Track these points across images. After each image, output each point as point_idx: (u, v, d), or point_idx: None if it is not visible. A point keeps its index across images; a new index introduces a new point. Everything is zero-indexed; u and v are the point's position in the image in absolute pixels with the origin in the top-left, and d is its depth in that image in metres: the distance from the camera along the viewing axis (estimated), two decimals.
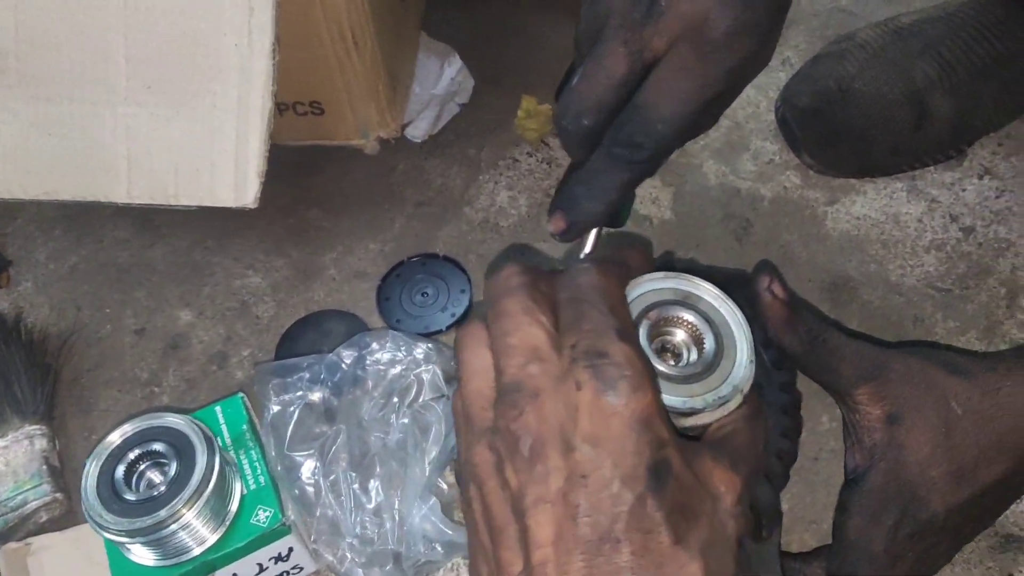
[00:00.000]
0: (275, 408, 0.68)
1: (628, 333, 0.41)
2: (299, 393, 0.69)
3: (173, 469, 0.61)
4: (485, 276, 0.82)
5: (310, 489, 0.66)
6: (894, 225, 0.84)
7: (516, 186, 0.91)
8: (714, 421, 0.51)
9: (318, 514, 0.67)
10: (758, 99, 0.94)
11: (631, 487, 0.37)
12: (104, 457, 0.62)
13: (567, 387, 0.39)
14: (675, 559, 0.37)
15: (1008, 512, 0.66)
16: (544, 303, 0.42)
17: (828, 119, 0.84)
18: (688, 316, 0.52)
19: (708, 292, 0.53)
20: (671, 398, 0.49)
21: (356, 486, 0.65)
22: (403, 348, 0.73)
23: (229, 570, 0.64)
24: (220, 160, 0.67)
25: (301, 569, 0.69)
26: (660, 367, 0.50)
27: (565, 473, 0.37)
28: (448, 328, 0.81)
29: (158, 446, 0.62)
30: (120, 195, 0.67)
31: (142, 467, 0.62)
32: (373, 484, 0.65)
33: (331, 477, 0.66)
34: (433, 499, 0.66)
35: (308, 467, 0.66)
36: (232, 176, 0.68)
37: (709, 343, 0.51)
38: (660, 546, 0.37)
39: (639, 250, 0.49)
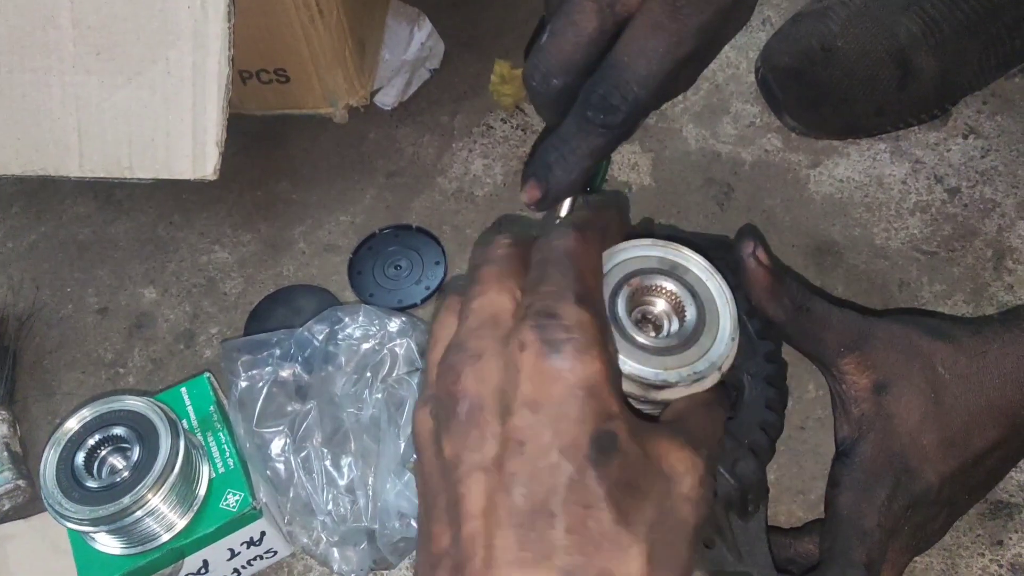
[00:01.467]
0: (243, 384, 0.66)
1: (589, 298, 0.38)
2: (268, 368, 0.66)
3: (136, 454, 0.59)
4: (474, 246, 0.79)
5: (280, 466, 0.63)
6: (878, 187, 0.82)
7: (491, 154, 0.88)
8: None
9: (291, 495, 0.65)
10: (738, 60, 0.91)
11: (571, 457, 0.34)
12: (63, 443, 0.59)
13: (512, 348, 0.36)
14: (615, 539, 0.34)
15: None
16: (522, 275, 0.40)
17: (810, 79, 0.82)
18: (670, 286, 0.50)
19: (696, 264, 0.50)
20: (643, 368, 0.47)
21: (328, 462, 0.63)
22: (376, 322, 0.70)
23: (199, 556, 0.62)
24: (176, 130, 0.64)
25: (275, 553, 0.67)
26: (637, 337, 0.48)
27: (501, 439, 0.35)
28: (423, 301, 0.78)
29: (119, 430, 0.59)
30: (72, 168, 0.64)
31: (103, 453, 0.60)
32: (346, 461, 0.63)
33: (302, 454, 0.64)
34: (408, 475, 0.63)
35: (278, 444, 0.64)
36: (190, 147, 0.64)
37: (691, 315, 0.49)
38: (599, 524, 0.34)
39: (616, 212, 0.47)
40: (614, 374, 0.37)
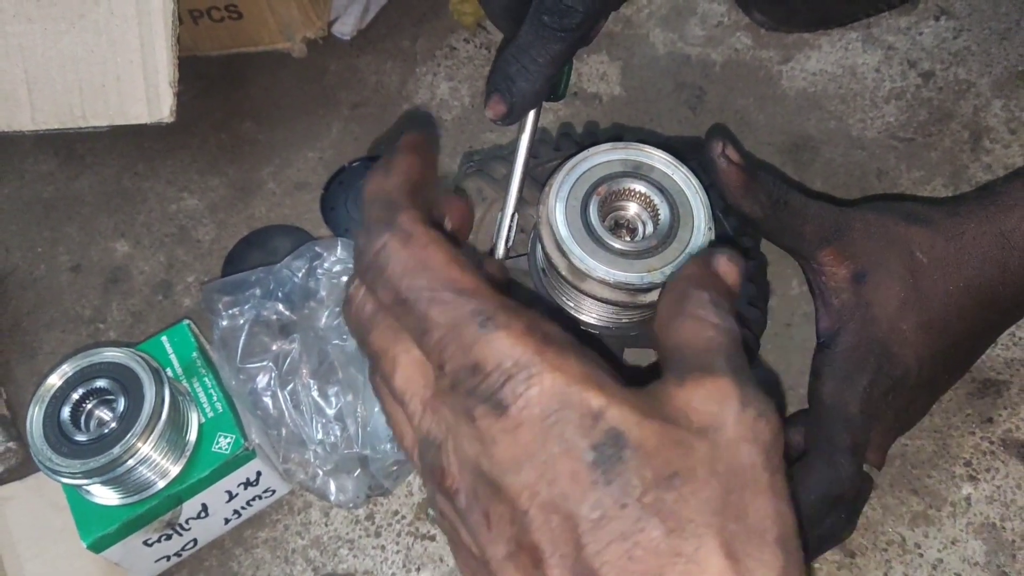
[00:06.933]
0: (224, 323, 0.65)
1: (484, 307, 0.31)
2: (248, 306, 0.66)
3: (121, 405, 0.58)
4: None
5: (268, 401, 0.63)
6: (851, 77, 0.81)
7: (456, 76, 0.86)
8: None
9: (284, 433, 0.65)
10: None
11: (578, 497, 0.29)
12: (47, 400, 0.59)
13: (465, 424, 0.31)
14: (676, 552, 0.28)
15: (984, 357, 0.65)
16: (406, 320, 0.34)
17: None
18: (640, 187, 0.49)
19: (660, 160, 0.50)
20: (627, 275, 0.47)
21: (315, 393, 0.63)
22: (353, 255, 0.70)
23: (197, 500, 0.62)
24: (126, 73, 0.62)
25: (273, 492, 0.67)
26: (615, 244, 0.48)
27: (508, 518, 0.30)
28: None
29: (102, 383, 0.59)
30: (25, 122, 0.62)
31: (88, 406, 0.59)
32: (332, 391, 0.63)
33: (289, 387, 0.63)
34: None
35: (264, 379, 0.64)
36: (142, 89, 0.63)
37: (664, 213, 0.48)
38: (651, 546, 0.28)
39: (415, 155, 0.38)
40: (574, 362, 0.31)
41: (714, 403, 0.31)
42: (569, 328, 0.32)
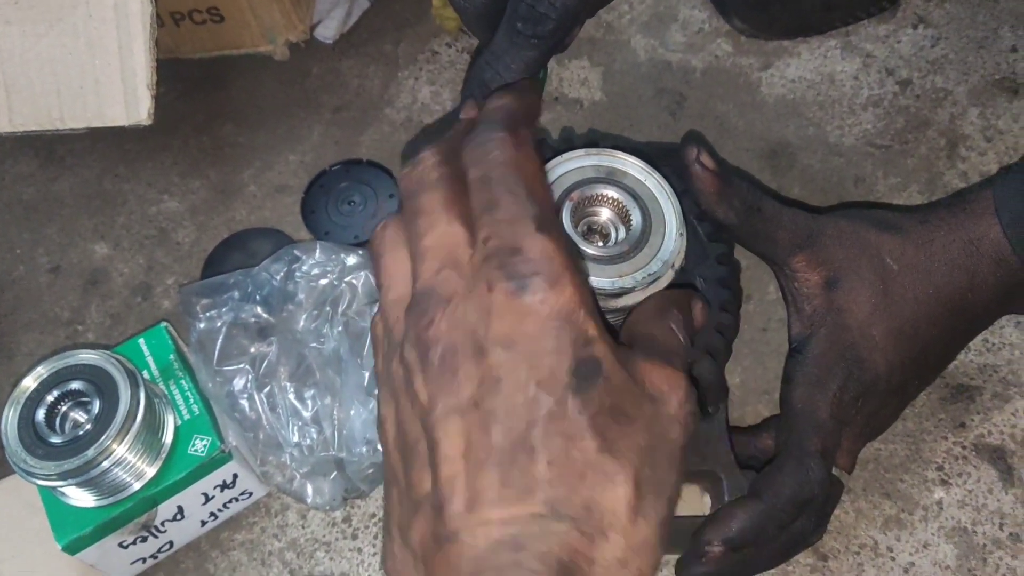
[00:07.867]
0: (202, 325, 0.65)
1: (548, 220, 0.36)
2: (226, 308, 0.66)
3: (96, 406, 0.58)
4: (401, 164, 0.77)
5: (245, 404, 0.63)
6: (830, 85, 0.81)
7: (438, 80, 0.86)
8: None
9: (261, 436, 0.65)
10: None
11: (549, 389, 0.33)
12: (22, 402, 0.59)
13: (479, 289, 0.35)
14: (600, 467, 0.33)
15: (956, 362, 0.66)
16: (464, 193, 0.38)
17: None
18: (612, 193, 0.49)
19: (632, 166, 0.50)
20: (599, 280, 0.47)
21: (292, 395, 0.63)
22: (332, 258, 0.70)
23: (173, 503, 0.62)
24: (105, 76, 0.62)
25: (250, 494, 0.67)
26: (587, 249, 0.48)
27: (477, 379, 0.34)
28: None
29: (77, 384, 0.59)
30: (2, 124, 0.62)
31: (64, 408, 0.59)
32: (309, 394, 0.63)
33: (265, 390, 0.64)
34: (373, 402, 0.64)
35: (240, 382, 0.64)
36: (120, 92, 0.63)
37: (636, 219, 0.49)
38: (584, 454, 0.33)
39: (537, 96, 0.46)
40: (588, 296, 0.36)
41: (667, 385, 0.37)
42: None
